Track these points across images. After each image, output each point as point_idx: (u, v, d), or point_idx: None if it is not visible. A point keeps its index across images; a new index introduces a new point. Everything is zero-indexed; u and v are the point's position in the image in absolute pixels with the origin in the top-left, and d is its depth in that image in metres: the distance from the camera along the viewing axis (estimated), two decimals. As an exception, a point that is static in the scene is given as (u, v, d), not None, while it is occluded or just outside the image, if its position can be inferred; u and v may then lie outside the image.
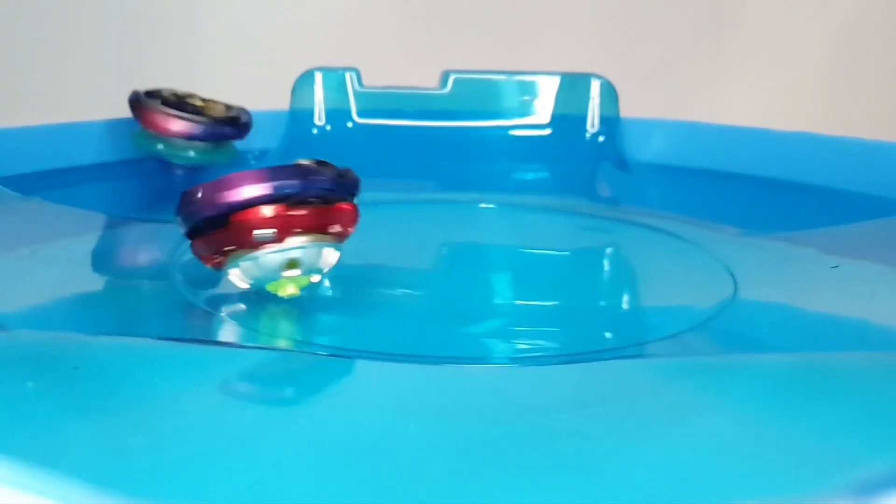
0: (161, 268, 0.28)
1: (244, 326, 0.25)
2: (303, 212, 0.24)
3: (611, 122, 0.42)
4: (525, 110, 0.42)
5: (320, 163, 0.26)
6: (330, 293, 0.29)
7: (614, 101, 0.42)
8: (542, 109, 0.42)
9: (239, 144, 0.40)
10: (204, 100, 0.39)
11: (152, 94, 0.38)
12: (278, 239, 0.24)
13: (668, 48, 0.59)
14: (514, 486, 0.16)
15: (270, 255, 0.25)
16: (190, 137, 0.38)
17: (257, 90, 0.45)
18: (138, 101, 0.38)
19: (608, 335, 0.26)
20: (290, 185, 0.24)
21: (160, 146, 0.38)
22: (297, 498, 0.16)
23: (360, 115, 0.41)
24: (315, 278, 0.26)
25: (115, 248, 0.31)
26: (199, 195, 0.24)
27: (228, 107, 0.39)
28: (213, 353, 0.23)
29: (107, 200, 0.36)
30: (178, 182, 0.39)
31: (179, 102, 0.38)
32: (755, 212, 0.37)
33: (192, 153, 0.38)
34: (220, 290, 0.28)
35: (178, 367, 0.21)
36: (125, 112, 0.38)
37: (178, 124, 0.38)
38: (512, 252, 0.35)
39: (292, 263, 0.25)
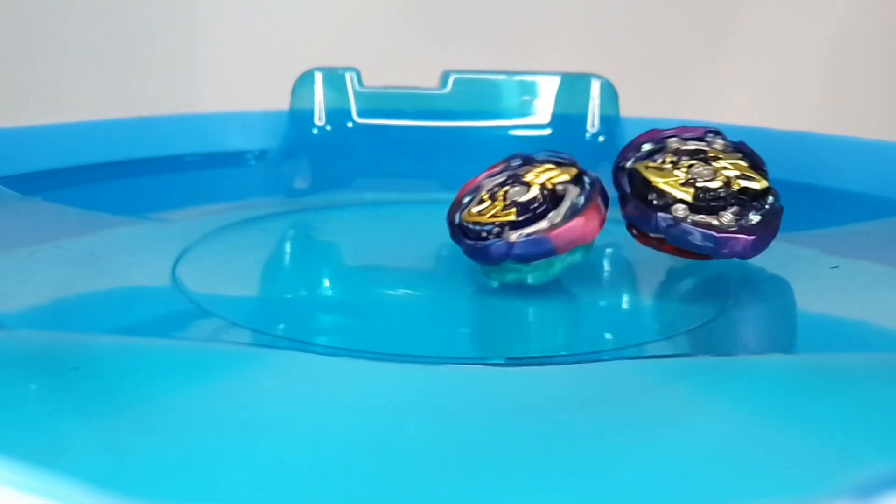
0: (161, 268, 0.28)
1: (244, 327, 0.25)
2: None
3: (611, 122, 0.42)
4: (525, 110, 0.42)
5: None
6: (330, 293, 0.29)
7: (614, 101, 0.42)
8: (542, 109, 0.42)
9: (238, 144, 0.40)
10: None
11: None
12: None
13: (668, 48, 0.59)
14: (514, 487, 0.16)
15: None
16: None
17: (257, 90, 0.45)
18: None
19: (608, 335, 0.26)
20: None
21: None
22: (296, 498, 0.16)
23: (360, 115, 0.41)
24: None
25: (115, 248, 0.31)
26: None
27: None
28: (214, 353, 0.23)
29: (107, 200, 0.36)
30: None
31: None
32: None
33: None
34: (220, 290, 0.28)
35: (178, 367, 0.21)
36: (125, 112, 0.38)
37: None
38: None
39: None
